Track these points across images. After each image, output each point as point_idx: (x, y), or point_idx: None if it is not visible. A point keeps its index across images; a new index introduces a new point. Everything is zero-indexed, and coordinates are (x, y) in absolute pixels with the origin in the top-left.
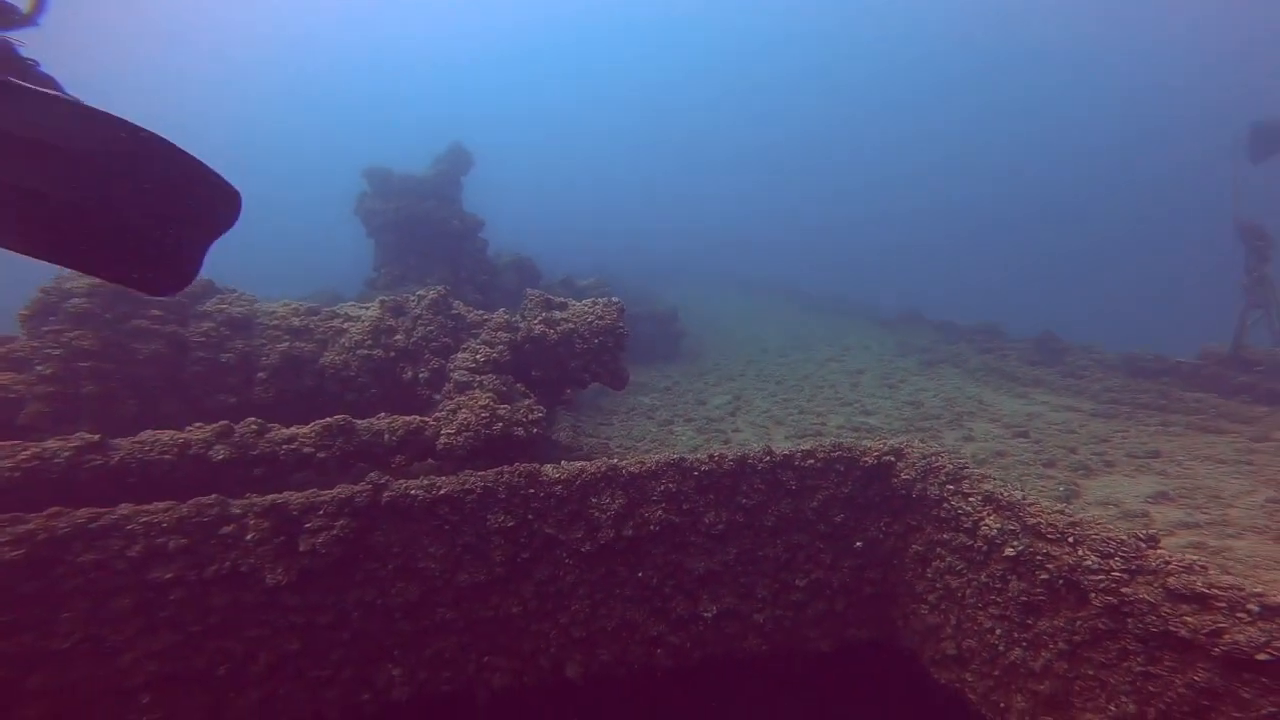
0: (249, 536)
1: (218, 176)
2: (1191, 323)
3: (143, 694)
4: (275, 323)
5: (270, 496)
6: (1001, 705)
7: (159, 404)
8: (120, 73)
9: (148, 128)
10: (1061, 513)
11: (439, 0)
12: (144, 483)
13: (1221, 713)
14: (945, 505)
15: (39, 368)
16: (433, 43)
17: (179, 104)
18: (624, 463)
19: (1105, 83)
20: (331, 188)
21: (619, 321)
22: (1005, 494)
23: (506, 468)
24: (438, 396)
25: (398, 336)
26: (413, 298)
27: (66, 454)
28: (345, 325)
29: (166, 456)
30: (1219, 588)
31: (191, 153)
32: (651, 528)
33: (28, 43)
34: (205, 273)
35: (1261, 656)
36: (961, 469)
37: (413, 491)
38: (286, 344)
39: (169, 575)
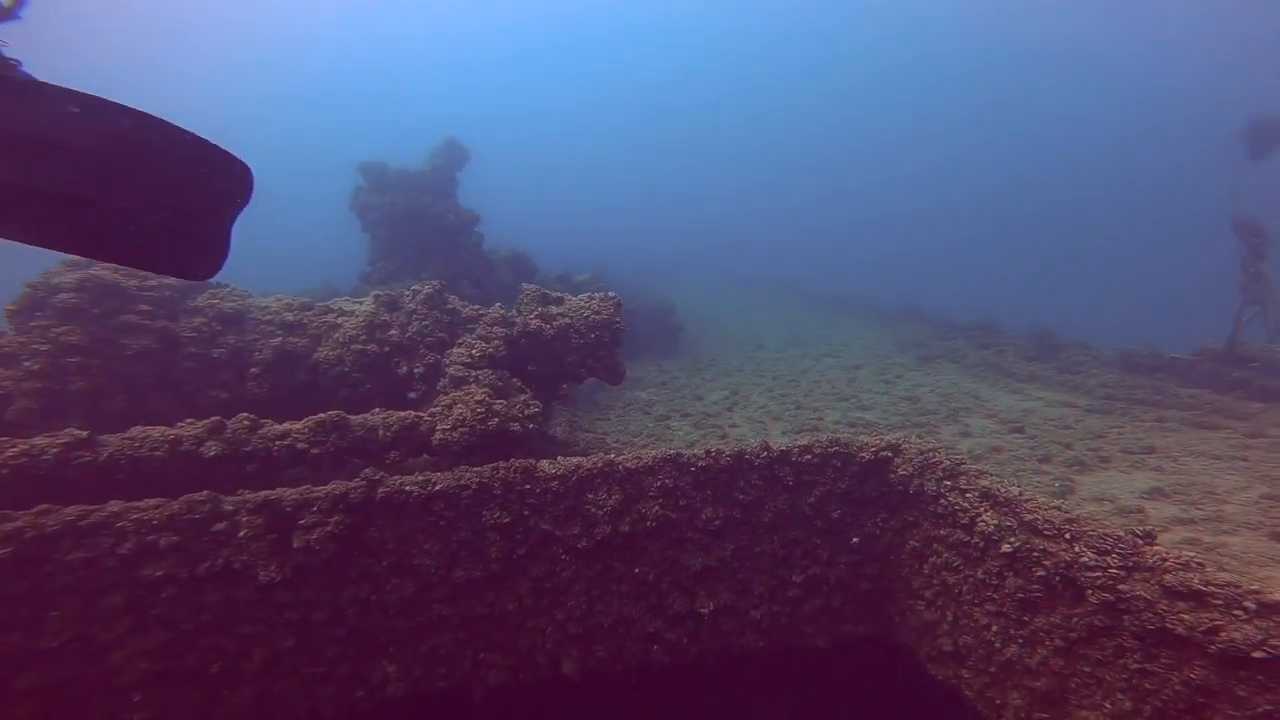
0: (242, 533)
1: (224, 152)
2: (1188, 320)
3: (134, 692)
4: (268, 318)
5: (263, 493)
6: (998, 702)
7: (149, 400)
8: (119, 70)
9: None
10: (1058, 509)
11: (439, 0)
12: (134, 480)
13: (1217, 710)
14: (942, 501)
15: (26, 363)
16: (432, 42)
17: (177, 101)
18: (621, 458)
19: (1105, 82)
20: (328, 184)
21: (616, 316)
22: (1002, 490)
23: (502, 463)
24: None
25: (392, 331)
26: (407, 292)
27: (55, 451)
28: (339, 320)
29: (157, 453)
30: (1216, 585)
31: (194, 131)
32: (648, 524)
33: (14, 40)
34: None
35: (1258, 654)
36: (958, 465)
37: (408, 488)
38: (280, 339)
39: (160, 573)
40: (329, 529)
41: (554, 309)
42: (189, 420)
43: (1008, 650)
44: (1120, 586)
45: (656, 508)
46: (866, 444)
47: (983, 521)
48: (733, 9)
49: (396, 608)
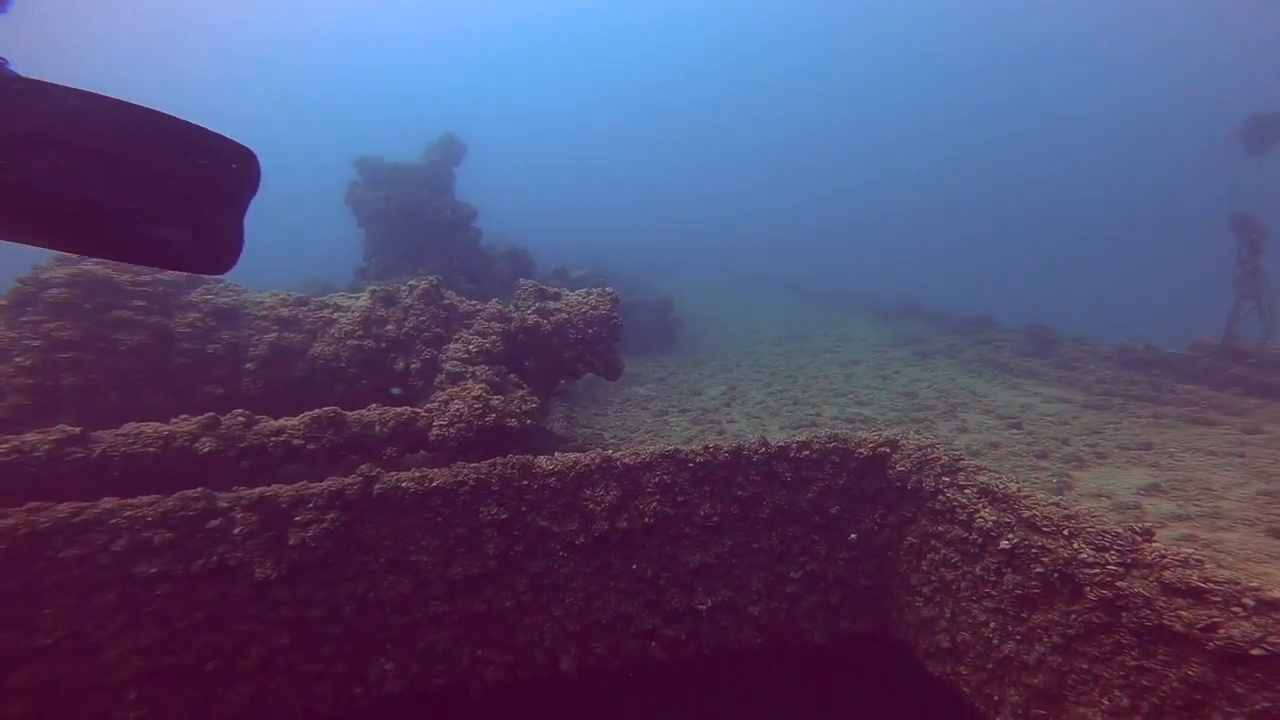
0: (237, 530)
1: (229, 140)
2: (1188, 320)
3: (129, 690)
4: (263, 313)
5: (258, 489)
6: (995, 698)
7: (143, 396)
8: (119, 68)
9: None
10: (1057, 505)
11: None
12: (128, 476)
13: (1214, 707)
14: (940, 497)
15: (17, 359)
16: (431, 40)
17: (175, 99)
18: (618, 454)
19: (1105, 82)
20: (324, 179)
21: (614, 312)
22: (1001, 486)
23: (500, 459)
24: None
25: (389, 327)
26: (404, 288)
27: (47, 447)
28: (335, 316)
29: (150, 449)
30: (1214, 582)
31: (195, 122)
32: (646, 520)
33: (10, 38)
34: None
35: (1256, 651)
36: (957, 461)
37: (404, 484)
38: (275, 334)
39: (154, 570)
40: (325, 526)
41: (551, 304)
42: (183, 416)
43: (1005, 647)
44: (1119, 583)
45: (654, 504)
46: (865, 440)
47: (981, 518)
48: (732, 9)
49: (393, 605)
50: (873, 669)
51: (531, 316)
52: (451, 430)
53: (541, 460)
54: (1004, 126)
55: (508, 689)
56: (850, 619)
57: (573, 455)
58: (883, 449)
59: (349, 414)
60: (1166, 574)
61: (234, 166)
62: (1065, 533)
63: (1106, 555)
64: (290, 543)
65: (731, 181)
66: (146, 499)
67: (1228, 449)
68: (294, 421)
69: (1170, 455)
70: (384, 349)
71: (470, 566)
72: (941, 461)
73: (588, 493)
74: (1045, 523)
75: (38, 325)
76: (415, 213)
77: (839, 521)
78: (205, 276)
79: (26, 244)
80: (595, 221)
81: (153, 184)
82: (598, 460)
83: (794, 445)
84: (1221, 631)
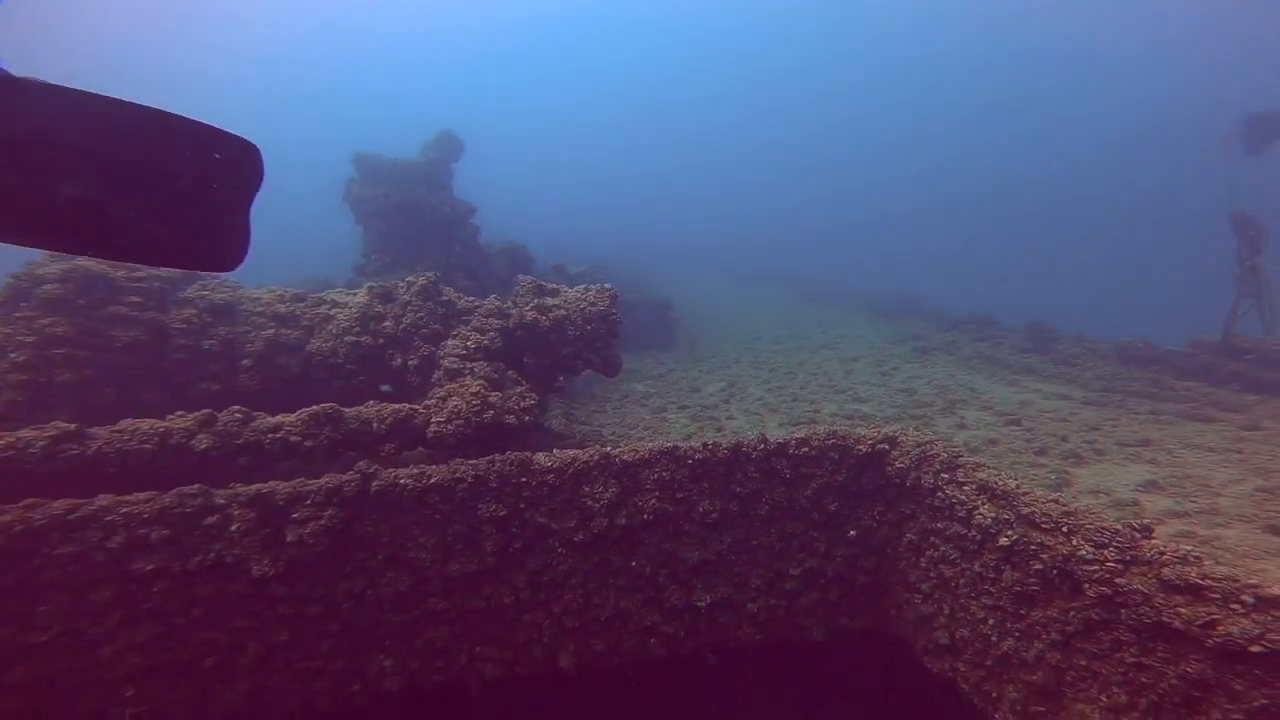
0: (234, 527)
1: (230, 135)
2: (1188, 320)
3: (126, 686)
4: (260, 310)
5: (255, 486)
6: (994, 695)
7: (139, 392)
8: (117, 62)
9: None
10: (1056, 502)
11: None
12: (124, 473)
13: (1213, 704)
14: (939, 494)
15: (12, 355)
16: (430, 38)
17: (172, 94)
18: (617, 451)
19: (1105, 82)
20: (321, 176)
21: (612, 308)
22: (1000, 483)
23: (498, 456)
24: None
25: (387, 323)
26: (402, 284)
27: (42, 443)
28: (333, 312)
29: (147, 446)
30: (1213, 579)
31: (194, 118)
32: (645, 516)
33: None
34: None
35: (1255, 648)
36: (956, 457)
37: (402, 480)
38: (272, 331)
39: (151, 567)
40: (323, 523)
41: (550, 301)
42: (180, 413)
43: (1004, 644)
44: (1118, 580)
45: (653, 501)
46: (864, 436)
47: (980, 514)
48: (733, 9)
49: (392, 601)
50: (871, 666)
51: (530, 313)
52: (450, 427)
53: (540, 457)
54: (1004, 126)
55: (507, 686)
56: (849, 616)
57: (571, 452)
58: (882, 446)
59: (347, 410)
60: (1165, 571)
61: (236, 161)
62: (1064, 529)
63: (1105, 552)
64: (288, 540)
65: (731, 180)
66: (143, 495)
67: (1226, 445)
68: (291, 418)
69: (1169, 452)
70: (382, 345)
71: (469, 563)
72: (941, 458)
73: (586, 490)
74: (1044, 519)
75: (32, 321)
76: (413, 209)
77: (838, 518)
78: (205, 273)
79: (29, 247)
80: (594, 220)
81: (154, 182)
82: (596, 457)
83: (793, 442)
84: (1220, 628)
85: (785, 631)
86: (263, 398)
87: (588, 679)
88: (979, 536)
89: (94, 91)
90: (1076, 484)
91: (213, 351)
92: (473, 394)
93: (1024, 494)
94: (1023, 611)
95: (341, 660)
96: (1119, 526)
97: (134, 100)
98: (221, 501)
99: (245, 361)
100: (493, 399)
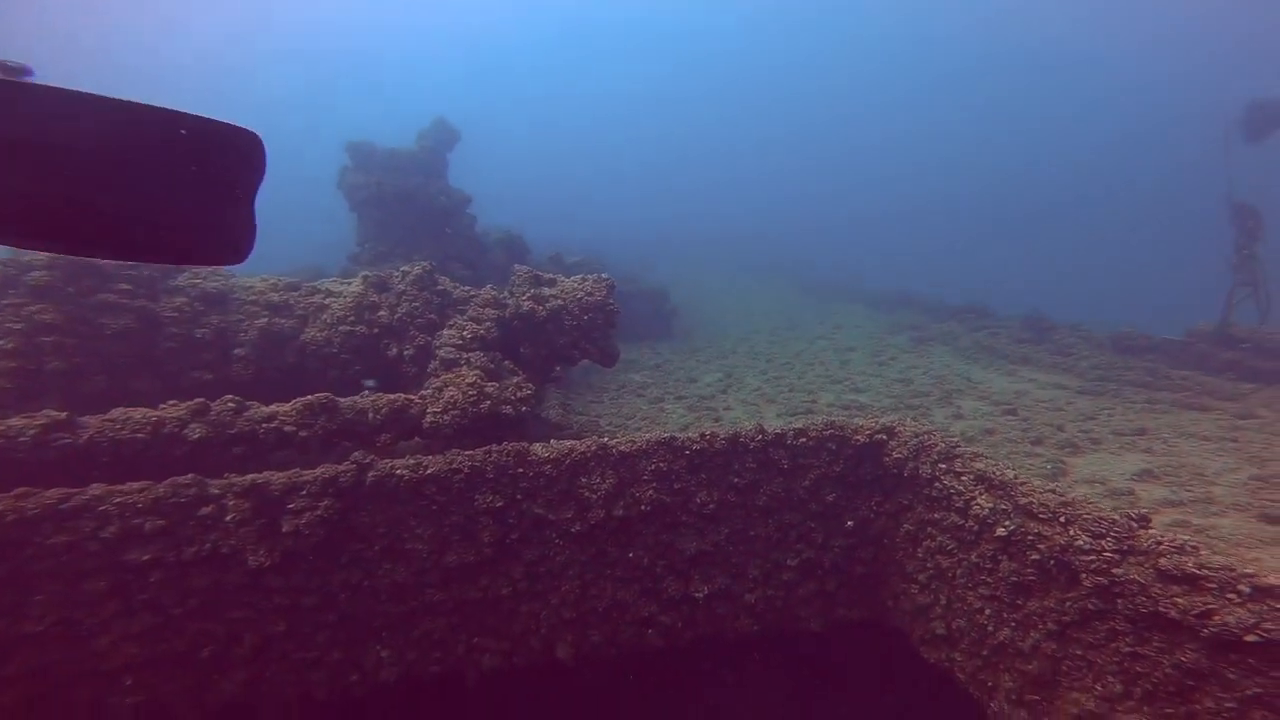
0: (229, 517)
1: (230, 126)
2: (1187, 318)
3: (125, 676)
4: (253, 298)
5: (250, 476)
6: (989, 684)
7: (130, 381)
8: (118, 55)
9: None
10: (1053, 492)
11: None
12: (116, 462)
13: (1206, 693)
14: (937, 484)
15: (0, 342)
16: (431, 33)
17: (173, 89)
18: (614, 441)
19: (1105, 82)
20: (319, 165)
21: (609, 298)
22: (997, 473)
23: (495, 447)
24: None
25: (381, 313)
26: (397, 273)
27: (33, 432)
28: (327, 301)
29: (139, 435)
30: (1210, 569)
31: (193, 113)
32: (642, 507)
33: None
34: None
35: (1250, 638)
36: (953, 448)
37: (398, 471)
38: (265, 320)
39: (146, 557)
40: (319, 513)
41: (547, 291)
42: (172, 402)
43: (1000, 634)
44: (1114, 570)
45: (651, 491)
46: (862, 427)
47: (977, 505)
48: (734, 8)
49: (388, 592)
50: (868, 656)
51: (527, 303)
52: (446, 417)
53: (537, 448)
54: (1004, 125)
55: (504, 677)
56: (846, 606)
57: (568, 443)
58: (880, 436)
59: (342, 400)
60: (1162, 561)
61: (239, 153)
62: (1062, 519)
63: (1103, 542)
64: (284, 530)
65: (731, 178)
66: (137, 485)
67: (1220, 434)
68: (286, 408)
69: (1164, 441)
70: (377, 335)
71: (466, 554)
72: (938, 448)
73: (584, 480)
74: (1042, 510)
75: (20, 308)
76: (408, 198)
77: (836, 509)
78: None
79: (34, 250)
80: (593, 213)
81: (158, 181)
82: (594, 448)
83: (791, 432)
84: (1216, 618)
85: (783, 622)
86: (256, 387)
87: (585, 670)
88: (976, 527)
89: (95, 93)
90: (1072, 473)
91: (205, 340)
92: (469, 384)
93: (1021, 484)
94: (1019, 602)
95: (338, 651)
96: (1116, 517)
97: (133, 99)
98: (216, 492)
99: (238, 350)
100: (489, 389)
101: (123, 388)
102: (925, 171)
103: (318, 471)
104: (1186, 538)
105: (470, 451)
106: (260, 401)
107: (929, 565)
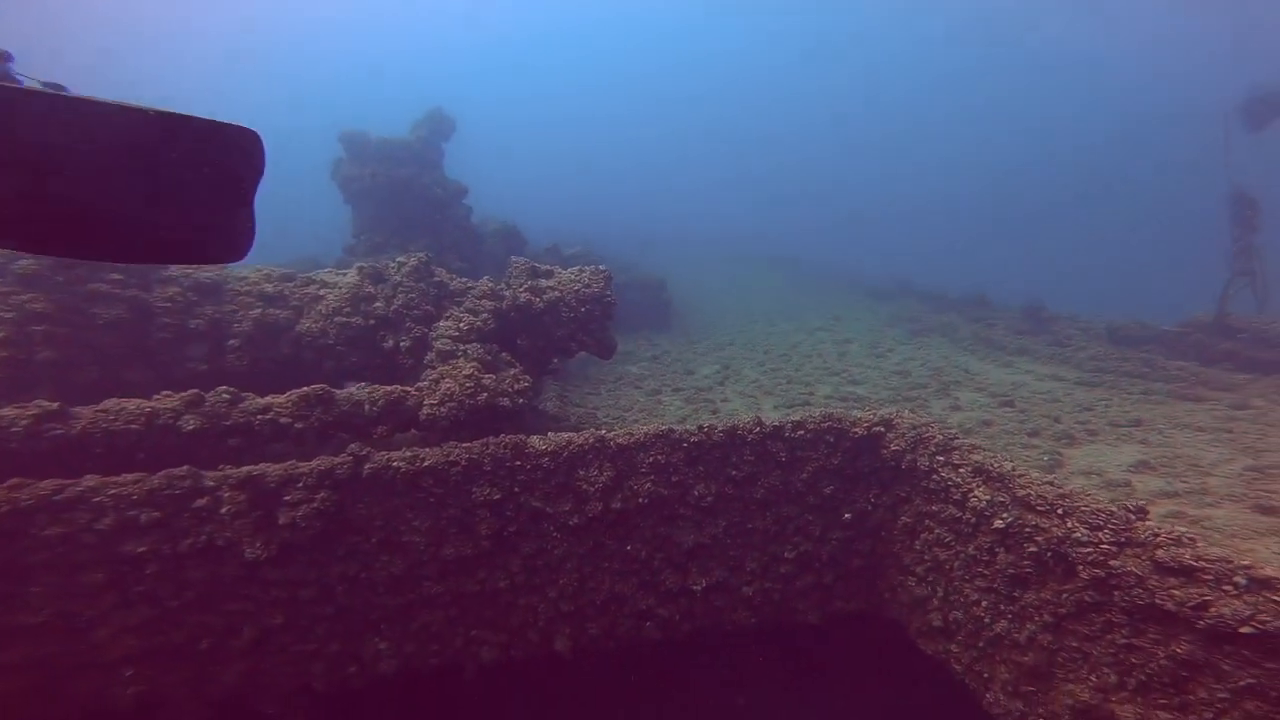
0: (225, 510)
1: (229, 126)
2: (1182, 306)
3: (125, 667)
4: (247, 289)
5: (246, 468)
6: (985, 676)
7: (122, 371)
8: (116, 50)
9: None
10: (1051, 484)
11: None
12: (110, 453)
13: (1200, 684)
14: (935, 477)
15: None
16: (430, 26)
17: (172, 85)
18: (612, 434)
19: (1104, 81)
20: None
21: (607, 290)
22: (995, 465)
23: (492, 439)
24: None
25: (377, 304)
26: (392, 264)
27: (25, 422)
28: (322, 292)
29: (133, 426)
30: (1207, 560)
31: (194, 114)
32: (640, 500)
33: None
34: None
35: (1245, 630)
36: (951, 440)
37: (395, 464)
38: (260, 310)
39: (142, 549)
40: (315, 505)
41: (544, 282)
42: (166, 393)
43: (997, 625)
44: (1112, 562)
45: (648, 484)
46: (860, 419)
47: (975, 497)
48: (733, 9)
49: (386, 585)
50: (865, 648)
51: (524, 294)
52: (443, 409)
53: (534, 440)
54: (1004, 125)
55: (502, 669)
56: (844, 599)
57: (566, 435)
58: (878, 428)
59: (338, 392)
60: (1160, 553)
61: (238, 153)
62: (1059, 512)
63: (1100, 534)
64: (280, 522)
65: (731, 177)
66: (131, 477)
67: (1216, 425)
68: (281, 399)
69: (1160, 432)
70: (373, 326)
71: (463, 547)
72: (936, 441)
73: (581, 473)
74: (1040, 502)
75: (8, 297)
76: (403, 189)
77: (833, 501)
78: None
79: (38, 254)
80: (590, 205)
81: (159, 184)
82: (591, 440)
83: (789, 425)
84: (1212, 610)
85: (780, 615)
86: (251, 378)
87: (583, 662)
88: (973, 519)
89: (96, 98)
90: (1069, 465)
91: (199, 331)
92: (466, 376)
93: (1019, 476)
94: (1016, 594)
95: (337, 643)
96: (1114, 509)
97: (134, 100)
98: (211, 484)
99: (233, 341)
100: (486, 381)
101: (115, 378)
102: (925, 171)
103: (314, 463)
104: (1184, 529)
105: (468, 444)
106: (256, 393)
107: (926, 557)
